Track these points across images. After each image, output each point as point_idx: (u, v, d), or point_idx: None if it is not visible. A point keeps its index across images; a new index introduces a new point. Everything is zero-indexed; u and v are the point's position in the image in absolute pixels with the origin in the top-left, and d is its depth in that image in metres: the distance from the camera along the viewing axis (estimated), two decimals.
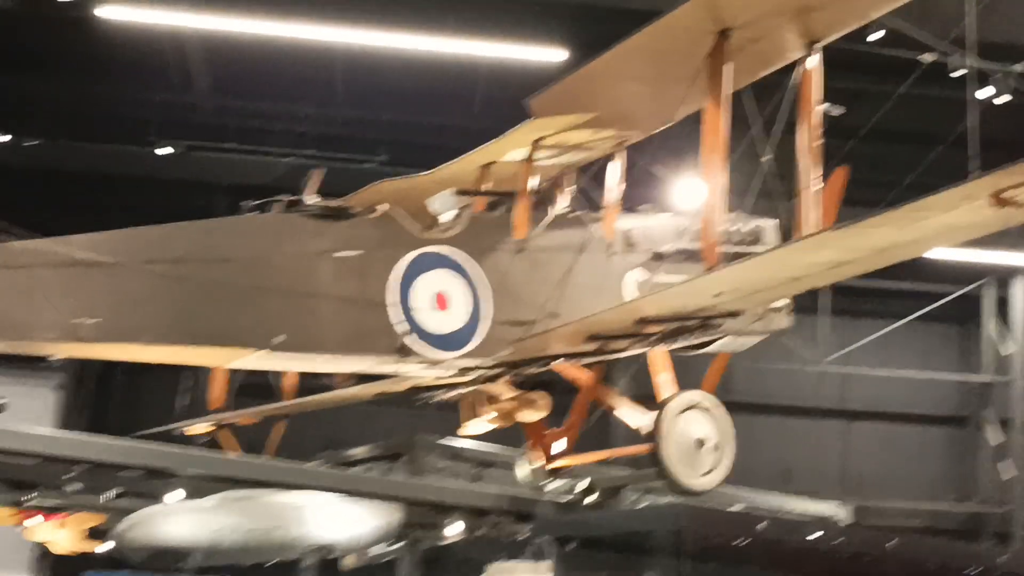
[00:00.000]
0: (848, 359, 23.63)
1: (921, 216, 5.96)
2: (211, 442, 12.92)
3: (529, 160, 9.22)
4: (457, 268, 8.60)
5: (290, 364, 8.96)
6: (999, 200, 5.59)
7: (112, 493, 8.76)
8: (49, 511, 11.81)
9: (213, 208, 21.34)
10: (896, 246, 6.67)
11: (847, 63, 14.96)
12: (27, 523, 12.45)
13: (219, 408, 12.35)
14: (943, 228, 6.20)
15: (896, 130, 17.69)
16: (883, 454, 24.94)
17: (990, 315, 23.99)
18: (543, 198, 9.58)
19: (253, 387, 11.22)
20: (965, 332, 25.36)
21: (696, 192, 9.31)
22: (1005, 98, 14.89)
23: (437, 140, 19.02)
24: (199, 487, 8.98)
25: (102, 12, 15.44)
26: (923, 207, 5.79)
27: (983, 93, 14.76)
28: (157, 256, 7.47)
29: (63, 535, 12.99)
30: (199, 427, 12.64)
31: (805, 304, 14.15)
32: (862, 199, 17.88)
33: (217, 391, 12.34)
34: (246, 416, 12.35)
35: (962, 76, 13.89)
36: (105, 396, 22.35)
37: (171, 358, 8.00)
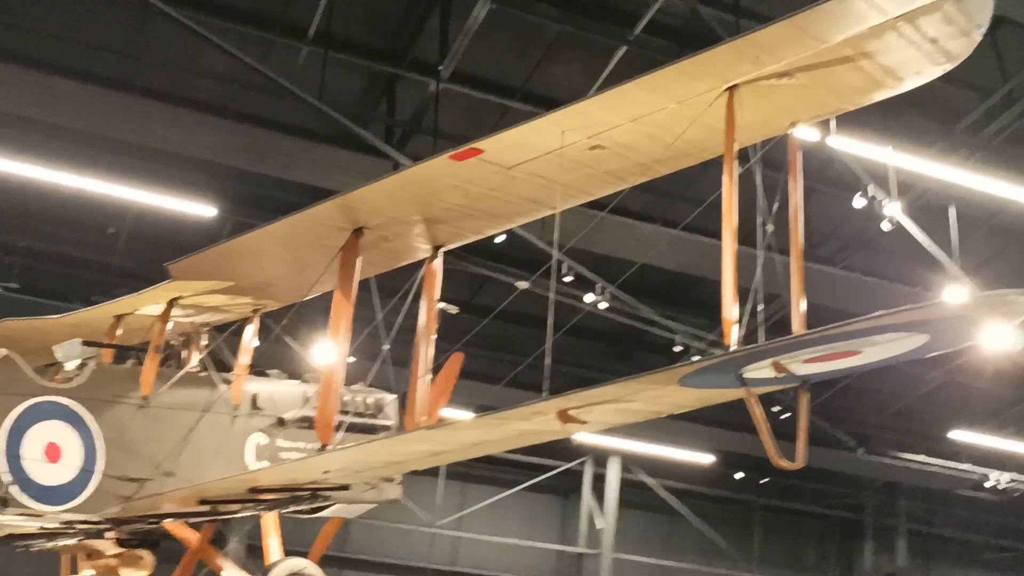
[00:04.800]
0: (460, 522, 24.86)
1: (503, 423, 6.89)
2: None
3: (164, 317, 9.44)
4: (74, 420, 8.58)
5: None
6: (564, 416, 6.62)
7: None
8: None
9: None
10: (485, 443, 7.60)
11: (480, 250, 16.57)
12: None
13: None
14: (521, 432, 7.19)
15: (522, 313, 19.41)
16: None
17: (588, 491, 26.13)
18: (174, 355, 9.81)
19: None
20: (566, 504, 27.38)
21: (321, 363, 9.88)
22: (603, 305, 17.06)
23: (75, 273, 18.63)
24: None
25: None
26: (505, 417, 6.71)
27: (588, 298, 16.84)
28: None
29: None
30: None
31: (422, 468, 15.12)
32: (487, 372, 19.44)
33: None
34: None
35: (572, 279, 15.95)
36: None
37: None
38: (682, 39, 15.05)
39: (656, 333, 19.74)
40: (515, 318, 19.32)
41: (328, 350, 8.37)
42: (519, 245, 15.12)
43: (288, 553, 9.91)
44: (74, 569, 9.64)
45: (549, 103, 7.37)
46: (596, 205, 8.44)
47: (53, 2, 14.88)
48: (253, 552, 13.80)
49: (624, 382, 6.06)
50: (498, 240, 11.92)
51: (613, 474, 25.73)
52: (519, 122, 6.92)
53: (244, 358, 9.80)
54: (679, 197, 17.32)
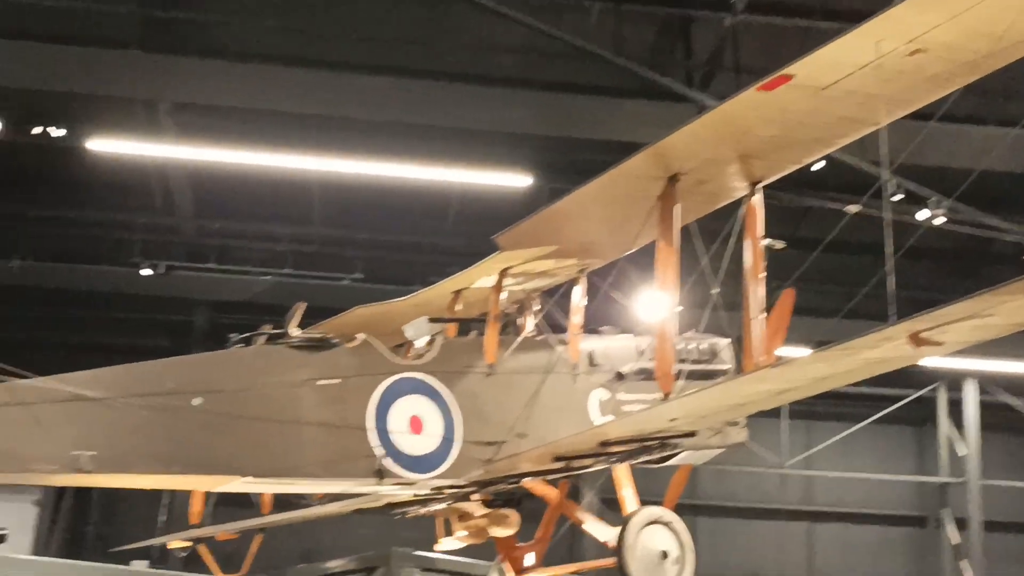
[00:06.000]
0: (810, 461, 24.29)
1: (850, 353, 6.63)
2: (190, 556, 13.16)
3: (497, 287, 9.81)
4: (431, 392, 9.09)
5: (274, 488, 9.39)
6: (916, 340, 6.28)
7: None
8: None
9: (194, 322, 22.07)
10: (832, 376, 7.34)
11: (801, 182, 16.03)
12: None
13: (198, 523, 12.58)
14: (869, 362, 6.88)
15: (850, 241, 18.60)
16: (846, 554, 25.39)
17: (944, 417, 24.72)
18: (511, 322, 10.20)
19: (231, 499, 11.53)
20: (921, 434, 26.06)
21: (652, 315, 9.93)
22: (940, 220, 15.98)
23: (411, 258, 19.83)
24: None
25: (92, 144, 16.22)
26: (850, 347, 6.45)
27: (922, 215, 15.84)
28: (151, 390, 7.91)
29: None
30: (177, 542, 12.90)
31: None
32: (820, 306, 18.83)
33: (196, 505, 12.58)
34: (224, 531, 12.61)
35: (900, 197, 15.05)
36: (83, 510, 22.51)
37: (162, 485, 8.45)
38: None
39: (1003, 242, 18.27)
40: (843, 247, 18.52)
41: (658, 301, 8.39)
42: (839, 170, 14.48)
43: (642, 503, 10.04)
44: (448, 531, 10.25)
45: (853, 16, 6.94)
46: (919, 115, 7.93)
47: (356, 7, 15.81)
48: (608, 505, 14.15)
49: (979, 296, 5.66)
50: (816, 167, 11.48)
51: (971, 397, 24.20)
52: (824, 42, 6.61)
53: (576, 318, 10.01)
54: (1013, 94, 15.89)
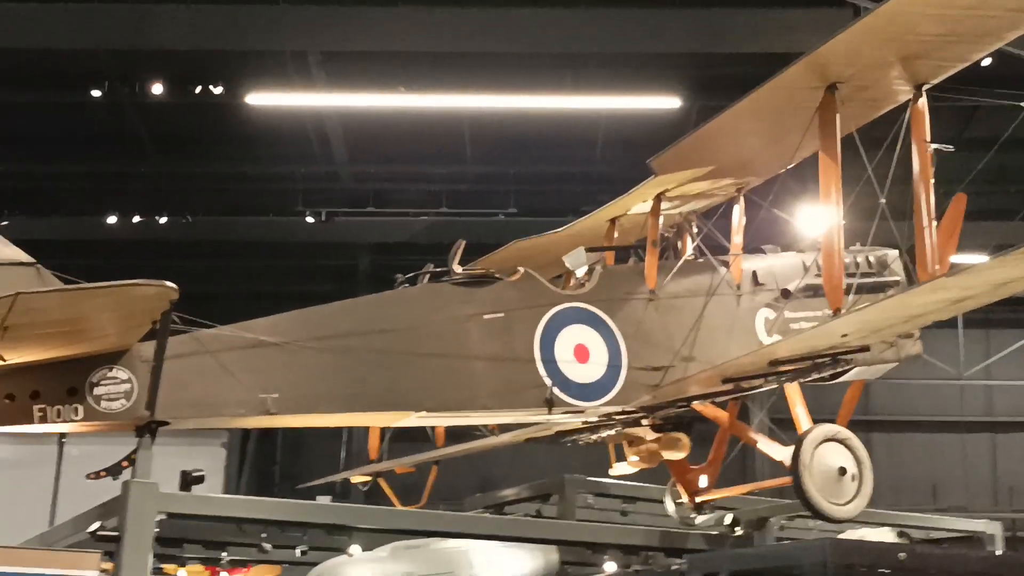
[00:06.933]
0: (989, 371, 23.40)
1: None
2: (370, 490, 13.67)
3: (654, 212, 9.73)
4: (594, 321, 9.13)
5: (448, 421, 9.66)
6: None
7: (298, 551, 9.60)
8: (233, 566, 12.72)
9: (358, 266, 22.73)
10: (1014, 281, 7.05)
11: (968, 79, 15.22)
12: None
13: (376, 458, 13.04)
14: None
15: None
16: None
17: None
18: (670, 247, 10.11)
19: (407, 433, 11.90)
20: None
21: (816, 229, 9.68)
22: None
23: (562, 188, 19.83)
24: (372, 538, 9.71)
25: (251, 99, 16.74)
26: None
27: None
28: (327, 333, 8.20)
29: None
30: (359, 477, 13.42)
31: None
32: (995, 208, 17.94)
33: (374, 441, 13.03)
34: (402, 465, 13.05)
35: None
36: (269, 450, 23.67)
37: (342, 423, 8.80)
38: None
39: None
40: (1018, 145, 17.62)
41: (823, 214, 8.19)
42: (1009, 64, 13.71)
43: (815, 421, 9.89)
44: (620, 456, 10.33)
45: None
46: None
47: None
48: (777, 424, 14.01)
49: None
50: (984, 63, 10.91)
51: None
52: None
53: (737, 238, 9.85)
54: None
